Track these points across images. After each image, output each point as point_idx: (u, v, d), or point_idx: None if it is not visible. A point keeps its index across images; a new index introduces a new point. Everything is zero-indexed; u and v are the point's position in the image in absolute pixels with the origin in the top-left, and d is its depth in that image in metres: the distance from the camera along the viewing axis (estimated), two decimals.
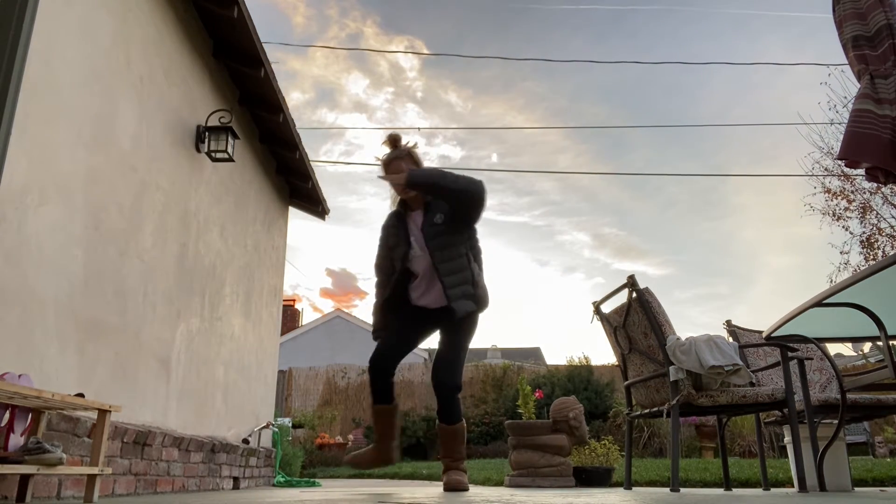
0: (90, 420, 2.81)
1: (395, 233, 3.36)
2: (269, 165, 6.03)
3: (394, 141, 3.41)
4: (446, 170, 3.31)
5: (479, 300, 3.28)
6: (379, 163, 3.42)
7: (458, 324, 3.24)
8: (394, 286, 3.34)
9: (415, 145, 3.43)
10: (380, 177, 3.34)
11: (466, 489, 3.26)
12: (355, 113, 24.92)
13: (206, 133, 4.37)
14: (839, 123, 11.75)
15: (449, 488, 3.21)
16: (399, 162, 3.33)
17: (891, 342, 2.86)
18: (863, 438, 10.01)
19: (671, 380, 3.28)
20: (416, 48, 26.75)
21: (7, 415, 2.32)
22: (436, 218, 3.25)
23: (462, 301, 3.20)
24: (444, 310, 3.25)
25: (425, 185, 3.23)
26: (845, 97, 11.75)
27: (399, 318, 3.40)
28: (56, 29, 2.80)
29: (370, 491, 3.62)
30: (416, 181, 3.22)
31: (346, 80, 23.03)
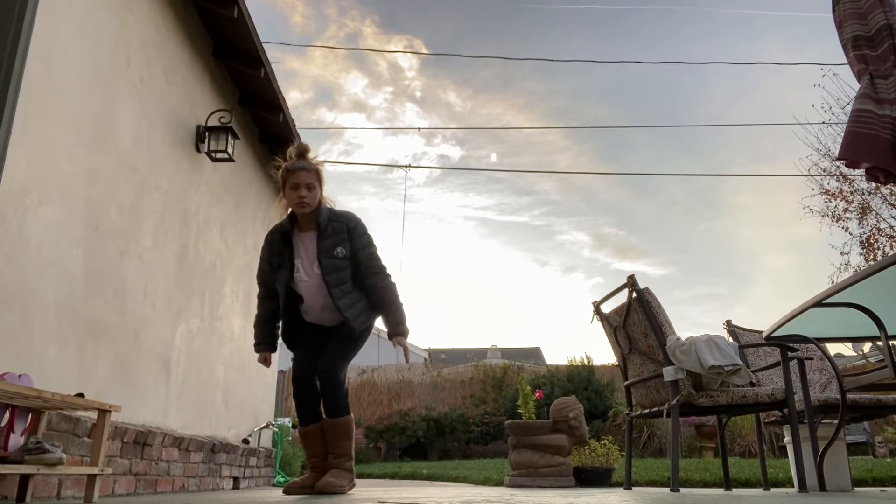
0: (90, 420, 2.81)
1: (279, 252, 3.18)
2: (269, 165, 6.03)
3: (302, 152, 3.21)
4: (399, 303, 3.24)
5: (372, 318, 3.28)
6: (281, 169, 3.19)
7: (353, 335, 3.19)
8: (284, 306, 3.22)
9: (322, 163, 3.25)
10: (404, 352, 3.25)
11: (341, 492, 2.98)
12: (354, 112, 24.94)
13: (206, 133, 4.37)
14: (836, 124, 11.75)
15: (318, 490, 2.98)
16: (306, 174, 3.11)
17: (891, 342, 2.86)
18: (863, 438, 10.00)
19: (666, 380, 3.28)
20: (415, 48, 26.76)
21: (7, 415, 2.32)
22: (336, 251, 3.11)
23: (360, 319, 3.18)
24: (341, 324, 3.18)
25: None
26: (840, 99, 11.75)
27: (303, 331, 3.28)
28: (56, 29, 2.80)
29: (370, 491, 3.62)
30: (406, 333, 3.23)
31: (345, 80, 23.05)
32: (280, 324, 3.31)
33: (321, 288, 3.11)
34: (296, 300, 3.22)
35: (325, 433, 3.15)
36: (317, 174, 3.16)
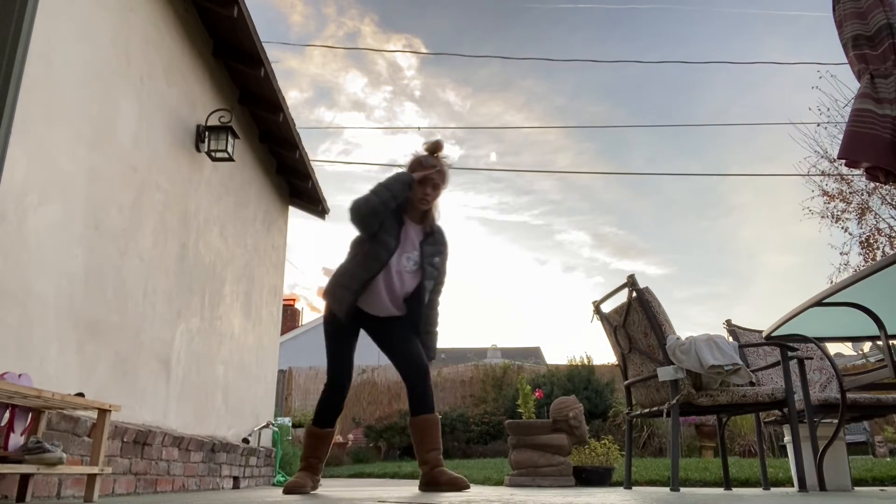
0: (90, 420, 2.81)
1: (390, 218, 3.10)
2: (269, 165, 6.03)
3: (436, 148, 3.23)
4: (437, 332, 3.36)
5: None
6: (419, 159, 3.20)
7: (406, 322, 3.21)
8: (370, 276, 3.08)
9: (450, 165, 3.27)
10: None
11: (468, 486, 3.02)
12: (353, 112, 24.94)
13: (206, 132, 4.37)
14: (835, 124, 11.76)
15: (456, 486, 2.93)
16: (436, 174, 3.15)
17: (891, 342, 2.86)
18: (862, 438, 10.01)
19: (660, 380, 3.28)
20: (414, 47, 26.77)
21: (7, 414, 2.32)
22: (435, 260, 3.23)
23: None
24: (389, 317, 3.20)
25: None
26: (837, 100, 11.76)
27: (347, 329, 3.20)
28: (56, 29, 2.80)
29: (370, 490, 3.62)
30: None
31: (344, 79, 23.06)
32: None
33: (407, 280, 3.15)
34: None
35: (420, 431, 3.06)
36: (444, 177, 3.21)
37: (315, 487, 3.21)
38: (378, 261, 3.08)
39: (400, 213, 3.18)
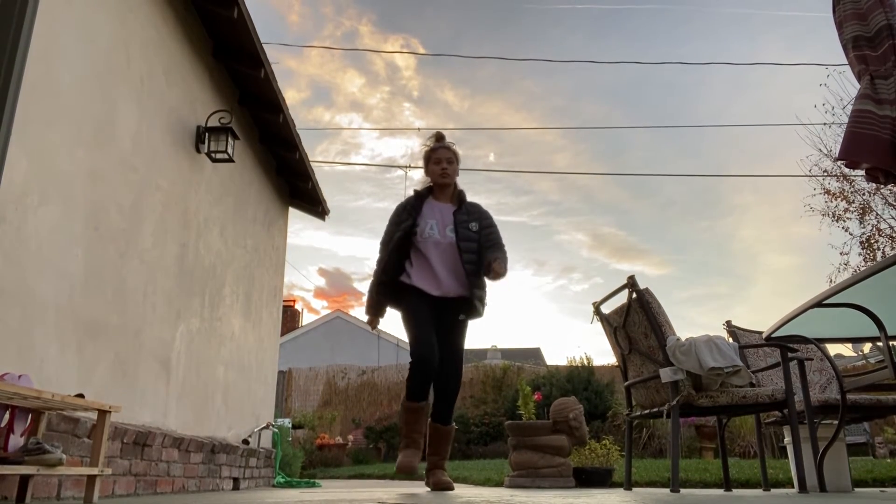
0: (90, 420, 2.81)
1: (411, 209, 3.53)
2: (268, 165, 6.03)
3: (440, 137, 3.70)
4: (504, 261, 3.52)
5: (484, 307, 3.58)
6: (427, 147, 3.69)
7: (464, 322, 3.52)
8: (397, 261, 3.46)
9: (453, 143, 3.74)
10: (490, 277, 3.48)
11: (452, 489, 3.33)
12: (352, 112, 24.93)
13: (206, 133, 4.36)
14: (838, 124, 11.76)
15: (440, 487, 3.26)
16: (446, 151, 3.60)
17: (891, 342, 2.86)
18: (863, 439, 10.00)
19: (662, 382, 3.28)
20: (412, 47, 26.78)
21: (7, 415, 2.32)
22: (470, 225, 3.53)
23: (481, 306, 3.52)
24: (455, 301, 3.44)
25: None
26: (842, 98, 11.76)
27: (419, 306, 3.43)
28: (56, 29, 2.80)
29: (370, 491, 3.62)
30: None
31: (342, 79, 23.05)
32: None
33: (452, 251, 3.43)
34: (422, 263, 3.47)
35: (429, 436, 3.39)
36: (454, 153, 3.64)
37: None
38: (402, 248, 3.47)
39: (423, 198, 3.59)
